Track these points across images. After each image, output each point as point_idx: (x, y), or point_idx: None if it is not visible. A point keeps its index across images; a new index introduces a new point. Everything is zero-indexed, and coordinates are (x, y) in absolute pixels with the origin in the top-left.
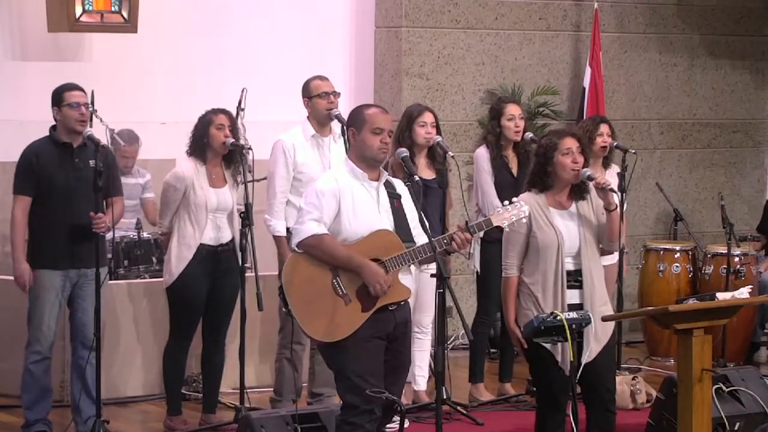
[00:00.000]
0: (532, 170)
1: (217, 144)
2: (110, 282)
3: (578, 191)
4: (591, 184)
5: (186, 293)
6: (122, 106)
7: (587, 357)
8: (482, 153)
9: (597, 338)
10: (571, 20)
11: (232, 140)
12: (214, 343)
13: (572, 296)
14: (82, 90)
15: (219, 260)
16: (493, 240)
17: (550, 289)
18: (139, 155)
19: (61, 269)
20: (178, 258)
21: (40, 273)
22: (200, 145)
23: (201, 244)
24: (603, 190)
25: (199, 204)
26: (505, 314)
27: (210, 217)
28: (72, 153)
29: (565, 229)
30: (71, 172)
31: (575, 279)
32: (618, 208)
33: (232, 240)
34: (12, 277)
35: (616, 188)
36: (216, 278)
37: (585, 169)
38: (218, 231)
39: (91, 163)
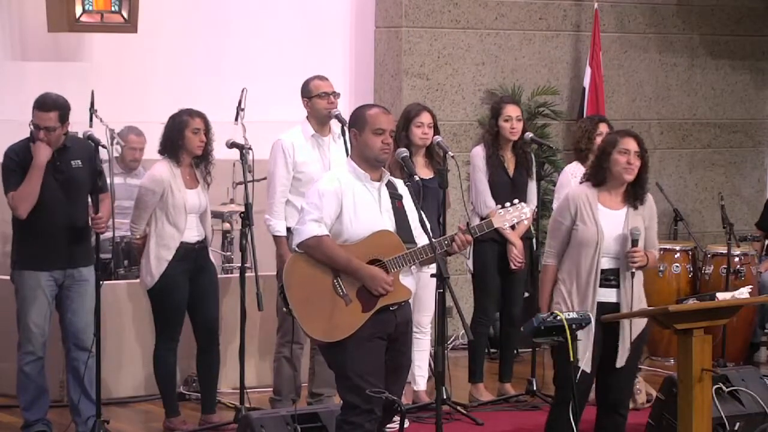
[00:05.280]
0: (590, 164)
1: (193, 148)
2: (110, 282)
3: (633, 197)
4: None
5: (169, 293)
6: (122, 106)
7: (620, 362)
8: (478, 152)
9: (631, 340)
10: (571, 20)
11: (233, 141)
12: (208, 342)
13: (609, 295)
14: (54, 110)
15: (196, 257)
16: (487, 240)
17: (582, 285)
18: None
19: (46, 270)
20: (158, 259)
21: (26, 273)
22: (175, 146)
23: (180, 242)
24: None
25: (178, 206)
26: (540, 302)
27: (189, 218)
28: (53, 155)
29: (609, 228)
30: (53, 174)
31: (606, 278)
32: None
33: (206, 238)
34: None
35: None
36: (193, 276)
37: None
38: (196, 230)
39: (73, 163)
